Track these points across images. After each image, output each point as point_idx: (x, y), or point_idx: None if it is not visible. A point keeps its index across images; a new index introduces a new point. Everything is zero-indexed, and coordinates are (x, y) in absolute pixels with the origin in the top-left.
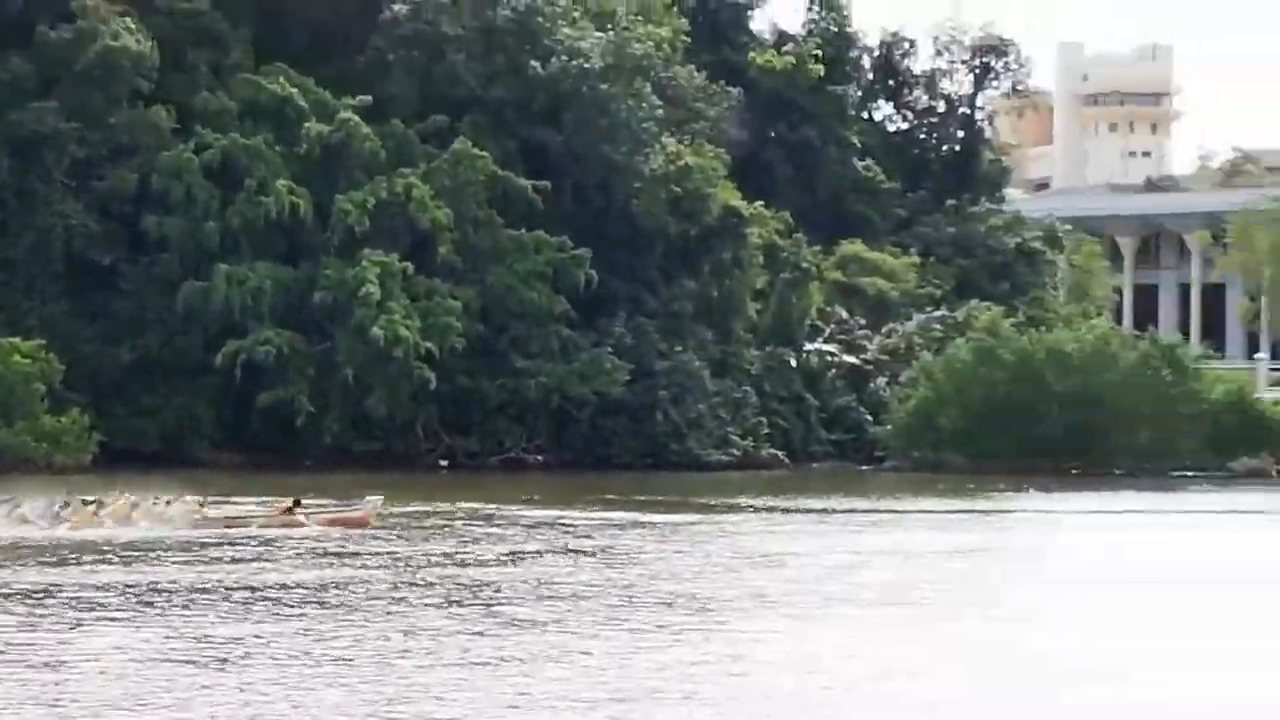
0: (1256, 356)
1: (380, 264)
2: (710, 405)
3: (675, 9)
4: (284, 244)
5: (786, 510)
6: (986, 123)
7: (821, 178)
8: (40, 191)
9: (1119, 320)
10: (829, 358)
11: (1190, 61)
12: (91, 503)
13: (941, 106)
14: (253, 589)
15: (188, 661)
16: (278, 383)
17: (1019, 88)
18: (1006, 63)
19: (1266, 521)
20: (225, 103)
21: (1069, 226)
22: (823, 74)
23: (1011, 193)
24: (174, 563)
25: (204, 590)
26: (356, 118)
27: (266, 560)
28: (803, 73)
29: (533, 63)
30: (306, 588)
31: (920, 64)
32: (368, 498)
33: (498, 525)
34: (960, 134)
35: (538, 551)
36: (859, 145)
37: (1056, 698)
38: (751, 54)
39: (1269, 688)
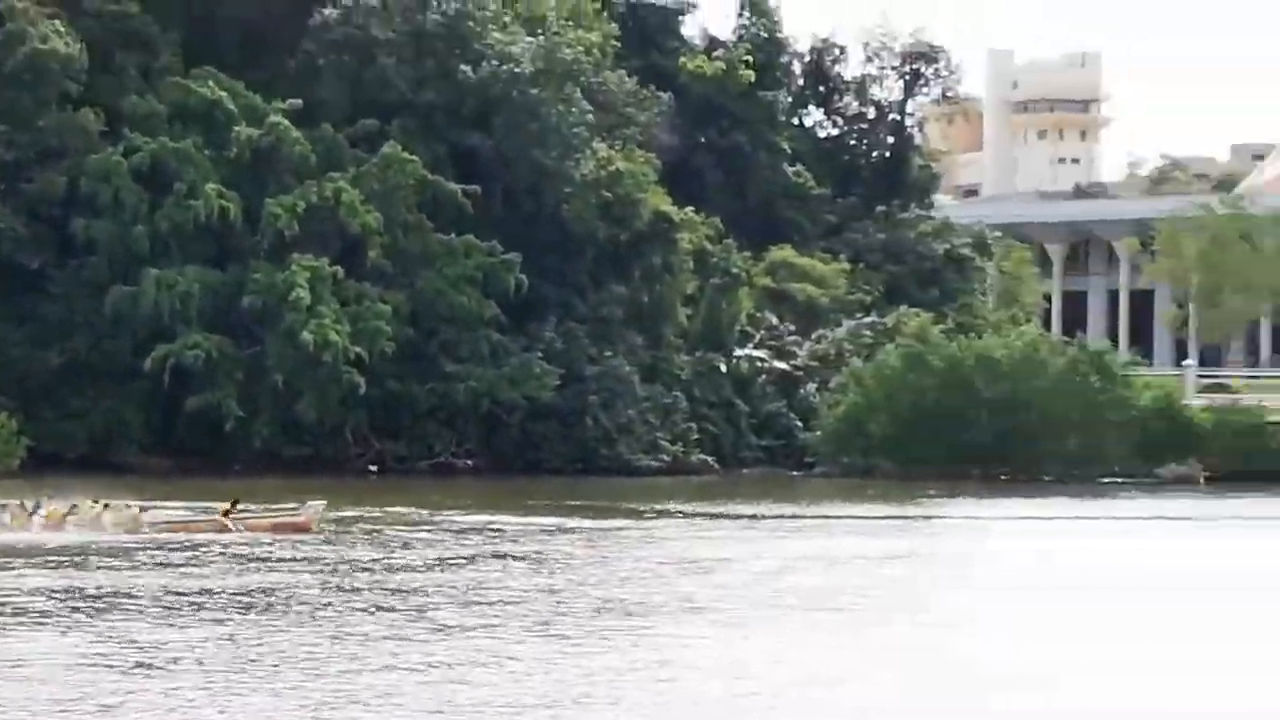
0: (1184, 363)
1: (310, 268)
2: (640, 410)
3: (605, 14)
4: (213, 248)
5: (716, 516)
6: (916, 129)
7: (752, 183)
8: None
9: (1048, 327)
10: (759, 363)
11: (1119, 68)
12: (32, 508)
13: (871, 113)
14: (180, 594)
15: (114, 667)
16: (206, 387)
17: (949, 94)
18: (936, 69)
19: (1194, 528)
20: (154, 106)
21: (998, 233)
22: (753, 80)
23: (941, 199)
24: (102, 567)
25: (131, 595)
26: (286, 121)
27: (194, 565)
28: (733, 78)
29: (463, 67)
30: (234, 593)
31: (851, 70)
32: (310, 503)
33: (427, 530)
34: (890, 140)
35: (467, 557)
36: (789, 151)
37: (986, 703)
38: (682, 59)
39: (1196, 693)
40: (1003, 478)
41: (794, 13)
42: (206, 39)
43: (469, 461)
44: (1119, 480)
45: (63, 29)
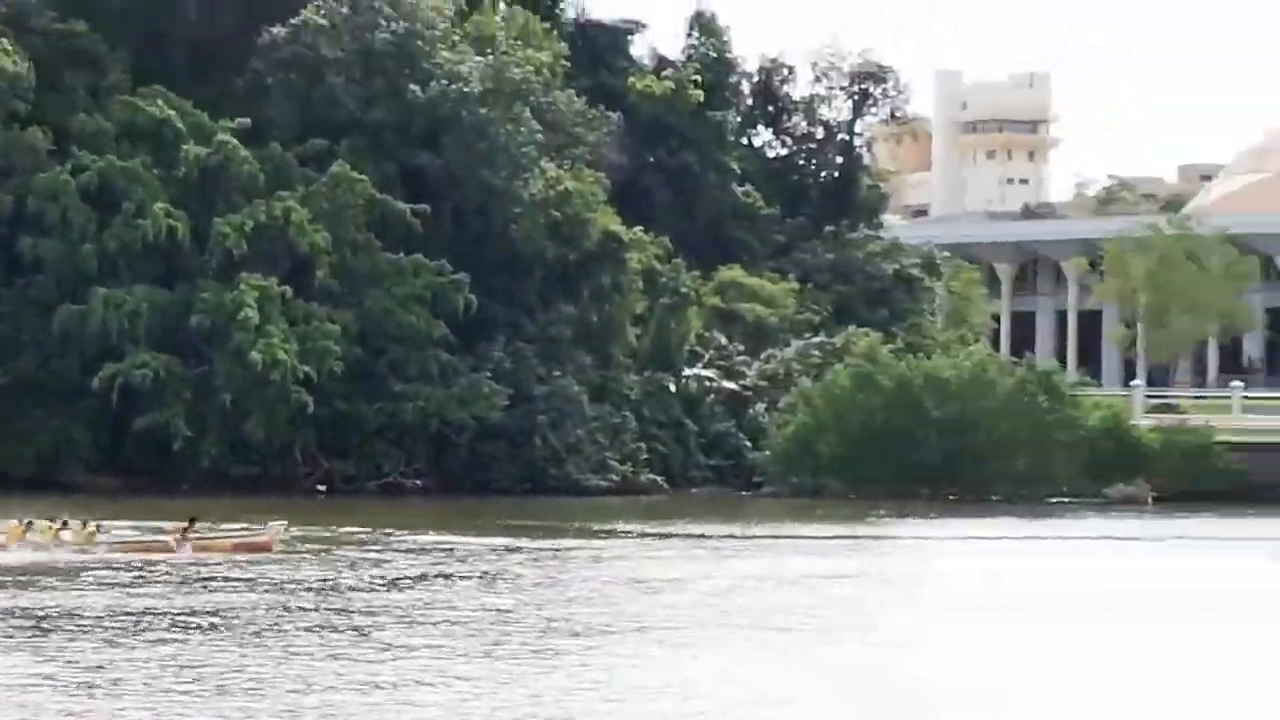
0: (1133, 383)
1: (258, 287)
2: (589, 430)
3: (555, 34)
4: (161, 267)
5: (664, 536)
6: (865, 149)
7: (700, 203)
8: None
9: (996, 347)
10: (708, 383)
11: (1068, 89)
12: None
13: (820, 133)
14: (128, 614)
15: (58, 687)
16: (155, 406)
17: (897, 114)
18: (885, 89)
19: (1140, 548)
20: (102, 124)
21: (947, 253)
22: (702, 99)
23: (890, 219)
24: (50, 587)
25: (78, 615)
26: (235, 140)
27: (142, 585)
28: (682, 98)
29: (412, 86)
30: (181, 613)
31: (799, 90)
32: (270, 523)
33: (375, 550)
34: (839, 160)
35: (415, 577)
36: (738, 171)
37: None
38: (631, 79)
39: (1142, 713)
40: (951, 497)
41: (743, 33)
42: (155, 57)
43: (417, 481)
44: (1067, 500)
45: (10, 47)
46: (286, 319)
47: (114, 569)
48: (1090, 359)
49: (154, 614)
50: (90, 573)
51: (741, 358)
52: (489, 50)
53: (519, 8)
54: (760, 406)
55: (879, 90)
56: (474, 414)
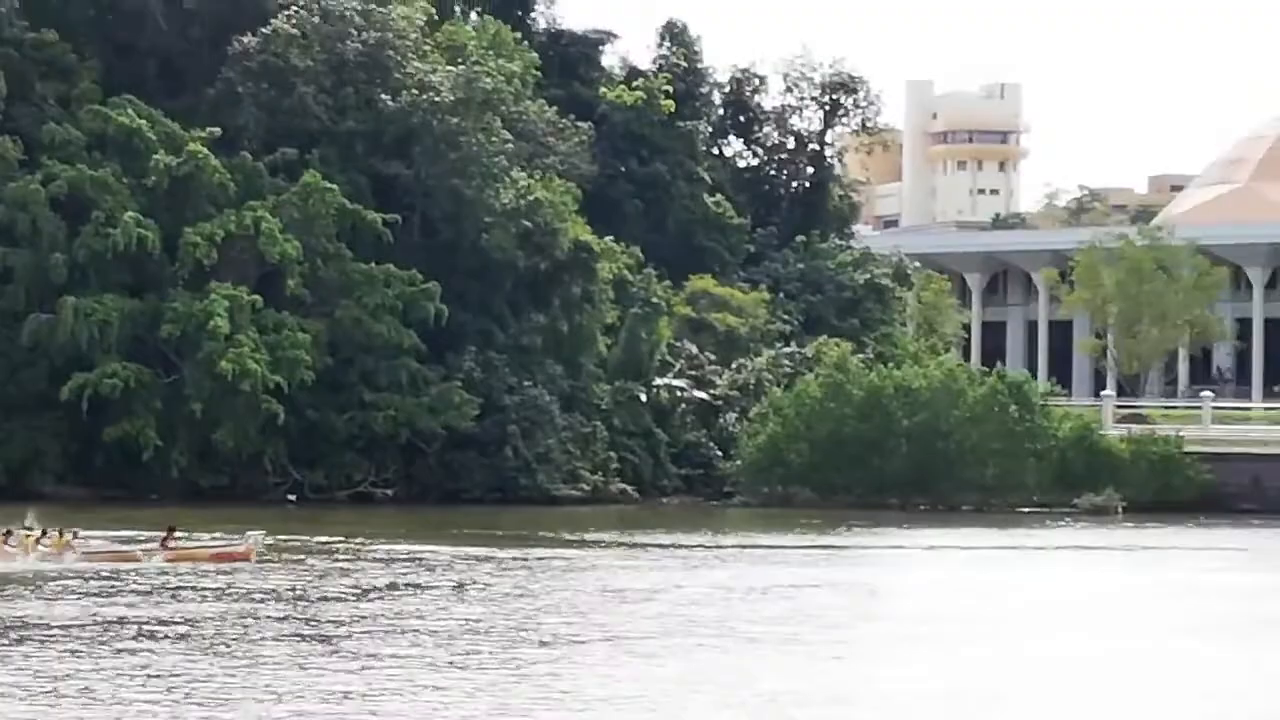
0: (1103, 394)
1: (229, 297)
2: (560, 440)
3: (526, 44)
4: (131, 276)
5: (635, 545)
6: (836, 159)
7: (671, 213)
8: None
9: (967, 357)
10: (679, 393)
11: (1038, 100)
12: None
13: (791, 143)
14: (96, 623)
15: (25, 696)
16: (124, 416)
17: (868, 125)
18: (856, 100)
19: (1109, 558)
20: (72, 134)
21: (917, 263)
22: (673, 109)
23: (860, 229)
24: (20, 596)
25: (43, 625)
26: (205, 150)
27: (112, 594)
28: (653, 108)
29: (383, 96)
30: (150, 622)
31: (770, 100)
32: (249, 533)
33: (344, 560)
34: (810, 170)
35: (384, 586)
36: (709, 180)
37: None
38: (602, 89)
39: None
40: (921, 507)
41: (714, 43)
42: (125, 67)
43: (388, 491)
44: (1037, 510)
45: None
46: (257, 328)
47: (83, 578)
48: (1060, 369)
49: (124, 623)
50: (60, 582)
51: (712, 367)
52: (460, 60)
53: (490, 18)
54: (731, 416)
55: (850, 101)
56: (445, 423)
